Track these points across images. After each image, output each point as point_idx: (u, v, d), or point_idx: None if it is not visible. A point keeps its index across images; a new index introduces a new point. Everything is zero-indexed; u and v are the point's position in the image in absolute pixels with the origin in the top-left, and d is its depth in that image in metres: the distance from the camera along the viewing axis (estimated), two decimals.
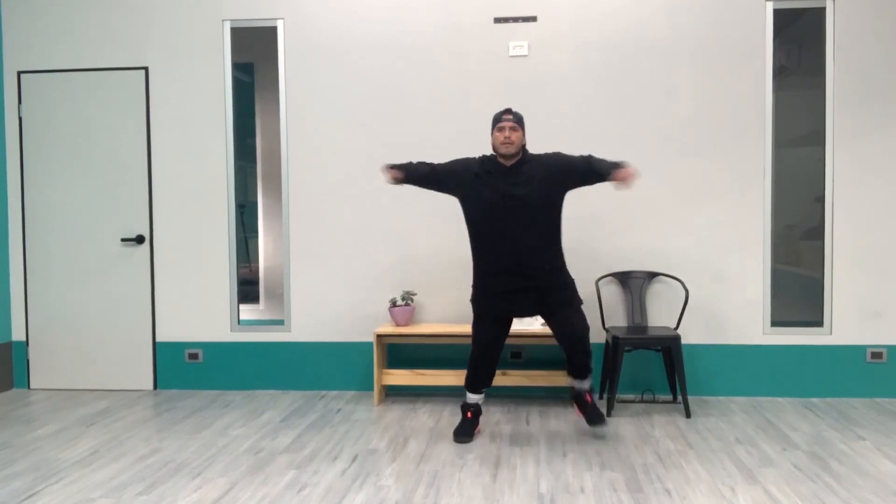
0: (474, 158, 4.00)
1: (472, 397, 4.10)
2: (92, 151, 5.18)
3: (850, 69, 4.74)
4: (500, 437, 4.05)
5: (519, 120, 3.87)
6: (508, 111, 3.88)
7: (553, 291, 3.88)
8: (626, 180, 3.73)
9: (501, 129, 3.83)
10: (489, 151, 4.93)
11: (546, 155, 3.94)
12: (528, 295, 3.86)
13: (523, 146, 3.90)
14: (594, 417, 3.96)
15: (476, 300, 3.99)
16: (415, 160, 4.17)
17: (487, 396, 4.87)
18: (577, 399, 4.06)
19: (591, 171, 3.84)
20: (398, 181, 3.99)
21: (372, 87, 4.99)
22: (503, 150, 3.84)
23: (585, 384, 4.01)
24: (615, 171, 3.75)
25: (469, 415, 4.08)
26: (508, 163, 3.88)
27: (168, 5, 5.09)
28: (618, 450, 3.80)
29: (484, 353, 4.00)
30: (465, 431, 4.02)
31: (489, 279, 3.91)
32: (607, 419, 4.03)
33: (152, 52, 5.12)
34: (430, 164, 4.03)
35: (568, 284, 3.94)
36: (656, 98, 4.84)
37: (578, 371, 3.97)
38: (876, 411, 4.49)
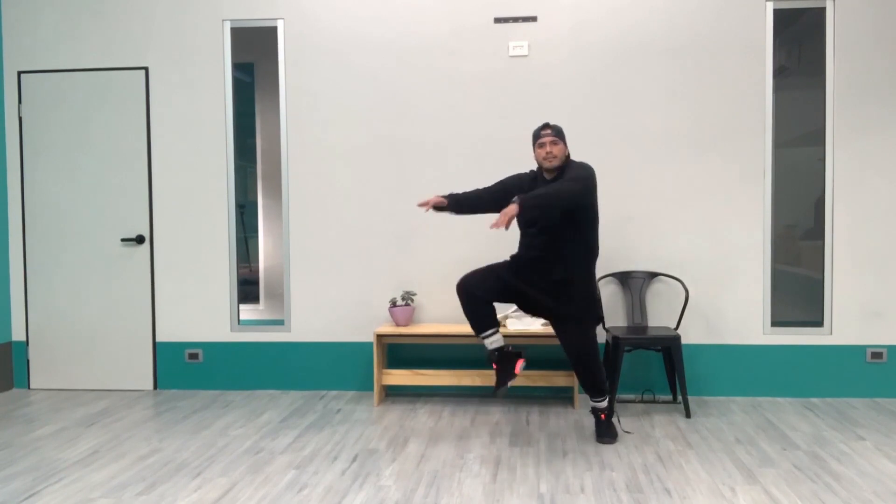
0: (527, 174, 4.05)
1: (487, 342, 3.90)
2: (92, 151, 5.18)
3: (850, 69, 4.74)
4: (500, 437, 4.05)
5: (558, 133, 3.88)
6: (547, 126, 3.89)
7: (568, 302, 3.86)
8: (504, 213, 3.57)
9: (542, 146, 3.86)
10: (488, 151, 4.95)
11: (579, 164, 3.92)
12: (547, 294, 3.87)
13: (567, 156, 3.91)
14: (602, 434, 3.95)
15: (503, 262, 4.02)
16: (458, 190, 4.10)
17: (488, 396, 4.88)
18: (592, 414, 4.04)
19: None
20: (439, 208, 3.96)
21: (372, 87, 4.99)
22: (546, 164, 3.87)
23: (601, 403, 3.98)
24: (514, 200, 3.64)
25: (495, 366, 3.91)
26: (551, 175, 3.91)
27: (168, 5, 5.09)
28: (618, 450, 3.80)
29: (465, 291, 3.87)
30: (499, 383, 3.86)
31: (517, 263, 3.98)
32: (618, 435, 3.98)
33: (152, 52, 5.12)
34: (481, 189, 4.04)
35: (585, 298, 3.89)
36: (656, 98, 4.84)
37: (587, 388, 3.96)
38: (876, 411, 4.49)
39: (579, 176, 3.72)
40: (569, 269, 3.85)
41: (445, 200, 3.97)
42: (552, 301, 3.88)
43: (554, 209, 3.67)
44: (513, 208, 3.48)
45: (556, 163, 3.85)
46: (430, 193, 4.96)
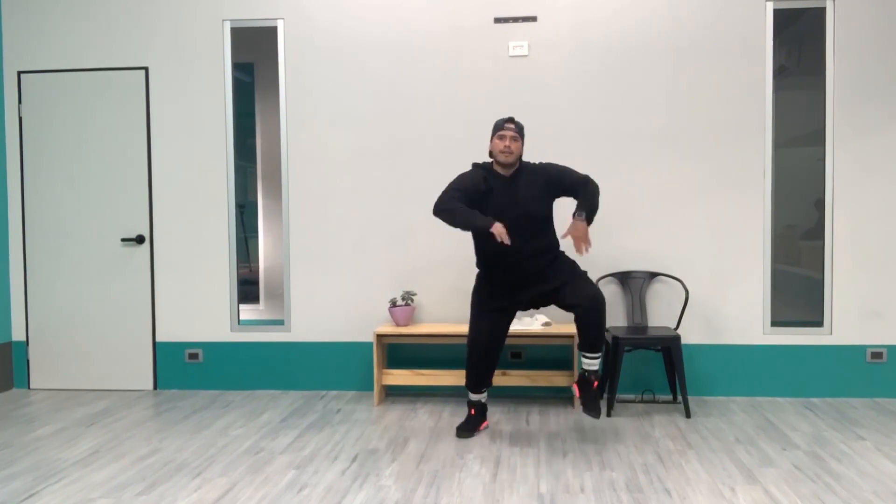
0: (472, 172, 3.95)
1: (474, 396, 4.15)
2: (92, 151, 5.18)
3: (850, 69, 4.74)
4: (500, 437, 4.05)
5: (520, 130, 3.90)
6: (511, 120, 3.89)
7: (553, 268, 3.90)
8: (576, 234, 3.73)
9: (502, 137, 3.84)
10: (488, 150, 4.93)
11: (540, 164, 3.98)
12: (530, 288, 3.89)
13: (520, 156, 3.91)
14: (589, 404, 3.83)
15: (476, 293, 4.03)
16: (453, 207, 3.82)
17: (488, 396, 4.87)
18: (581, 381, 3.88)
19: (576, 193, 3.87)
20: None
21: (372, 87, 4.99)
22: (501, 157, 3.86)
23: (595, 363, 3.85)
24: (578, 217, 3.76)
25: (472, 411, 4.14)
26: (507, 172, 3.90)
27: (168, 5, 5.09)
28: (618, 450, 3.80)
29: (477, 349, 4.00)
30: (467, 427, 4.08)
31: (490, 286, 3.97)
32: (604, 416, 4.01)
33: (152, 52, 5.12)
34: (458, 199, 3.83)
35: (565, 261, 3.96)
36: (656, 98, 4.84)
37: (590, 343, 3.80)
38: (876, 411, 4.49)
39: (589, 177, 3.92)
40: (553, 247, 3.95)
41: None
42: (546, 284, 3.88)
43: (596, 208, 3.90)
44: (584, 228, 3.74)
45: (511, 158, 3.85)
46: (430, 193, 4.95)
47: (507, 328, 4.03)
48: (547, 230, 3.93)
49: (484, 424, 4.18)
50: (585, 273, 3.97)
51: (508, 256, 3.81)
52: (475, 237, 3.94)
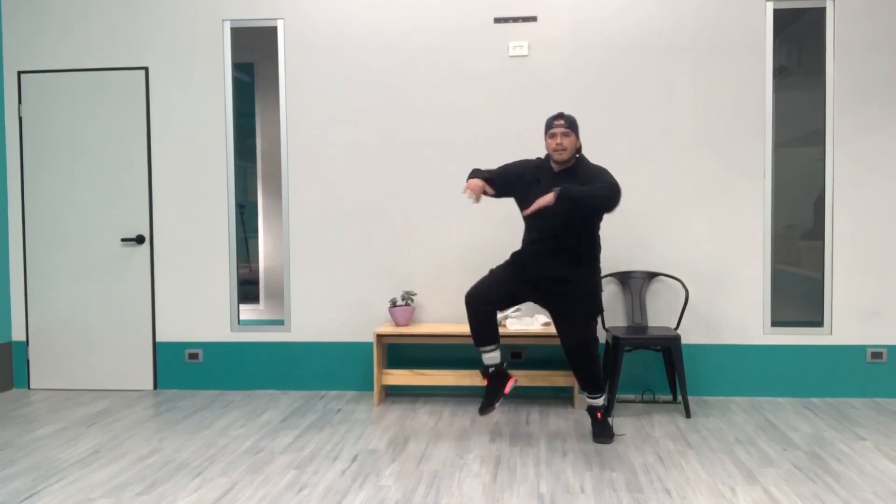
0: (531, 162, 4.02)
1: (485, 356, 3.94)
2: (92, 151, 5.18)
3: (850, 69, 4.74)
4: (500, 437, 4.05)
5: (571, 124, 3.83)
6: (560, 116, 3.85)
7: (571, 300, 3.88)
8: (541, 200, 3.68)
9: (553, 136, 3.83)
10: (488, 152, 4.94)
11: (598, 168, 3.90)
12: (551, 292, 3.91)
13: (578, 149, 3.88)
14: (599, 434, 3.95)
15: (513, 258, 4.04)
16: (482, 168, 4.06)
17: None
18: (589, 413, 4.06)
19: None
20: (483, 194, 3.88)
21: (372, 87, 4.99)
22: (556, 156, 3.85)
23: (598, 400, 3.99)
24: (555, 190, 3.70)
25: (486, 381, 3.96)
26: (558, 167, 3.90)
27: (168, 5, 5.09)
28: (618, 450, 3.80)
29: (472, 301, 3.88)
30: (486, 402, 3.92)
31: (512, 265, 4.00)
32: (614, 435, 3.99)
33: (152, 52, 5.12)
34: (498, 170, 4.00)
35: (588, 294, 3.92)
36: (656, 98, 4.84)
37: (583, 385, 3.98)
38: (876, 411, 4.49)
39: (614, 186, 3.70)
40: (574, 263, 3.88)
41: (490, 187, 3.89)
42: (555, 299, 3.90)
43: (588, 209, 3.74)
44: (549, 198, 3.59)
45: (565, 155, 3.83)
46: (430, 193, 4.96)
47: (509, 303, 3.97)
48: (583, 226, 3.83)
49: (510, 384, 3.94)
50: (597, 311, 3.96)
51: (536, 244, 3.88)
52: (525, 220, 3.96)
